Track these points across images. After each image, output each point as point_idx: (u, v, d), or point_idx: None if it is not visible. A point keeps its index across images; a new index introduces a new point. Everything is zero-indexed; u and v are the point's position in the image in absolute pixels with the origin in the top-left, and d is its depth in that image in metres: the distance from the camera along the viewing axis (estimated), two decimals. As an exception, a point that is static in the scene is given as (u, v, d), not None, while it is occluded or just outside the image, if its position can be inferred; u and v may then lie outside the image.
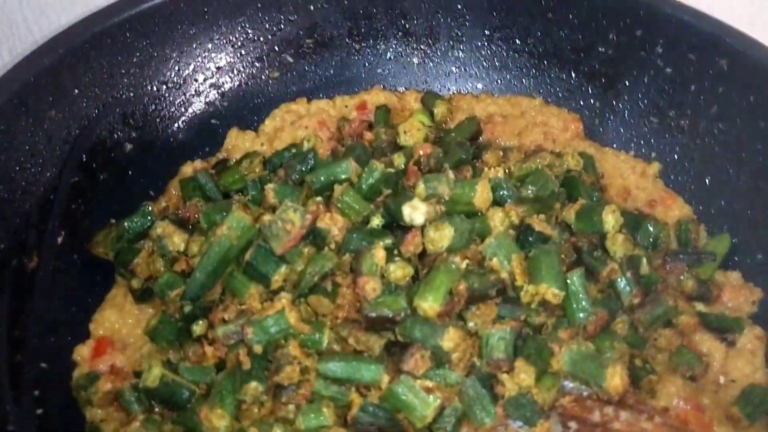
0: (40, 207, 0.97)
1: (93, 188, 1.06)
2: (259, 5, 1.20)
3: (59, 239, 0.99)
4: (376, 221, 0.96)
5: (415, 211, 0.92)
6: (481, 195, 0.97)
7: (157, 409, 0.90)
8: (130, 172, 1.11)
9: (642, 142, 1.22)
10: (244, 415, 0.86)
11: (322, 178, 1.00)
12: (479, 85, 1.32)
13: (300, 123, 1.23)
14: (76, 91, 1.03)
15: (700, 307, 1.02)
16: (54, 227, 0.99)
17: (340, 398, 0.85)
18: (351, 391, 0.84)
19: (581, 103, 1.27)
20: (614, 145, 1.23)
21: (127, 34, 1.08)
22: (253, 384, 0.85)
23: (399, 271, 0.88)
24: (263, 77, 1.25)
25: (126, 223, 1.05)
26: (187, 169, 1.16)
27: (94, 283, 1.03)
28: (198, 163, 1.17)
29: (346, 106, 1.27)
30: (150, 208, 1.06)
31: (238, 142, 1.21)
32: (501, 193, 1.01)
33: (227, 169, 1.14)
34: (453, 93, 1.32)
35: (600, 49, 1.22)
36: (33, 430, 0.85)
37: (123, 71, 1.09)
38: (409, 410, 0.83)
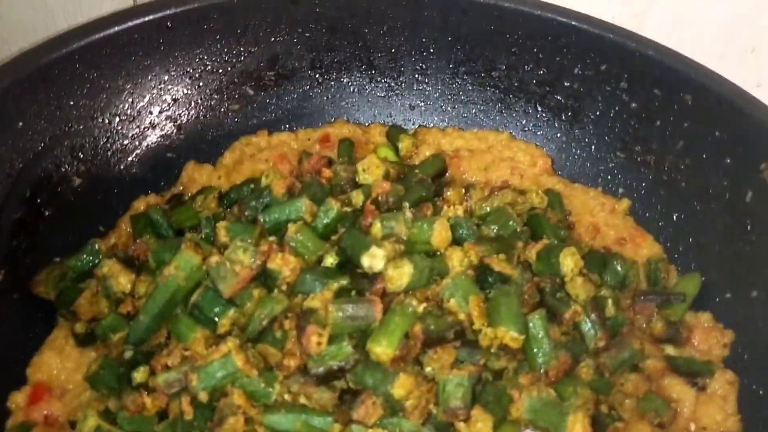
0: (-24, 245, 0.92)
1: (37, 224, 1.01)
2: (218, 37, 1.17)
3: (-2, 278, 0.94)
4: (330, 260, 0.92)
5: (374, 259, 0.88)
6: (439, 234, 0.94)
7: (92, 463, 0.84)
8: (77, 208, 1.06)
9: (609, 177, 1.20)
10: (185, 468, 0.81)
11: (276, 216, 0.96)
12: (445, 119, 1.29)
13: (260, 156, 1.20)
14: (21, 123, 0.99)
15: (669, 350, 0.98)
16: (-8, 265, 0.94)
17: (289, 454, 0.80)
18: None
19: (548, 137, 1.25)
20: (582, 181, 1.21)
21: (77, 65, 1.04)
22: (195, 436, 0.80)
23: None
24: (222, 109, 1.22)
25: (71, 261, 1.00)
26: (140, 205, 1.11)
27: (34, 324, 0.97)
28: (152, 198, 1.13)
29: (309, 139, 1.24)
30: (97, 246, 1.02)
31: (195, 176, 1.17)
32: (460, 232, 0.98)
33: (181, 204, 1.10)
34: (419, 126, 1.29)
35: (565, 83, 1.21)
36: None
37: (72, 103, 1.05)
38: (361, 461, 0.78)
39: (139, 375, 0.87)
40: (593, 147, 1.21)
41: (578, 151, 1.23)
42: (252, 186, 1.10)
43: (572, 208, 1.16)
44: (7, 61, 0.99)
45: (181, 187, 1.17)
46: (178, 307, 0.90)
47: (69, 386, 0.93)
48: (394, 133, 1.24)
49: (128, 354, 0.88)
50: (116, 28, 1.06)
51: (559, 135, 1.24)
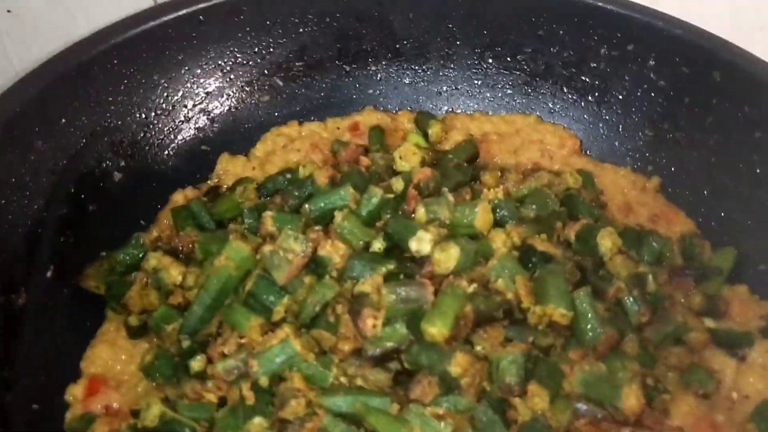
0: (27, 241, 0.93)
1: (82, 220, 1.02)
2: (248, 29, 1.18)
3: (48, 274, 0.96)
4: (378, 245, 0.93)
5: (421, 243, 0.90)
6: (482, 217, 0.95)
7: (157, 450, 0.86)
8: (119, 203, 1.07)
9: (638, 155, 1.22)
10: (248, 452, 0.83)
11: (321, 206, 0.97)
12: (472, 104, 1.30)
13: (292, 146, 1.21)
14: (63, 120, 1.00)
15: (708, 322, 1.00)
16: (42, 262, 0.95)
17: (349, 434, 0.81)
18: (360, 430, 0.81)
19: (575, 118, 1.26)
20: (611, 160, 1.23)
21: (114, 62, 1.05)
22: (258, 419, 0.81)
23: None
24: (253, 101, 1.23)
25: (117, 255, 1.01)
26: (178, 198, 1.13)
27: (85, 318, 0.99)
28: (189, 191, 1.14)
29: (338, 128, 1.25)
30: (142, 240, 1.03)
31: (229, 168, 1.18)
32: (501, 214, 1.00)
33: (220, 196, 1.11)
34: (446, 112, 1.31)
35: (591, 64, 1.22)
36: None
37: (110, 99, 1.06)
38: (420, 440, 0.80)
39: (197, 364, 0.88)
40: (621, 126, 1.23)
41: (606, 131, 1.24)
42: (288, 176, 1.11)
43: (603, 188, 1.18)
44: (48, 59, 1.00)
45: (217, 179, 1.18)
46: (230, 296, 0.92)
47: (124, 377, 0.94)
48: (422, 119, 1.25)
49: (185, 344, 0.90)
50: (151, 24, 1.08)
51: (586, 116, 1.25)
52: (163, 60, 1.12)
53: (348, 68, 1.28)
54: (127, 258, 1.01)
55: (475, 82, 1.30)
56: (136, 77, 1.09)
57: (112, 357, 0.96)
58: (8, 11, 1.16)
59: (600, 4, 1.17)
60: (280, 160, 1.19)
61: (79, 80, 1.01)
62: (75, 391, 0.92)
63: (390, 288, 0.85)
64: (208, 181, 1.17)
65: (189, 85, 1.17)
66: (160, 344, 0.93)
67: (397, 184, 1.03)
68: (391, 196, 1.00)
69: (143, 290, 0.98)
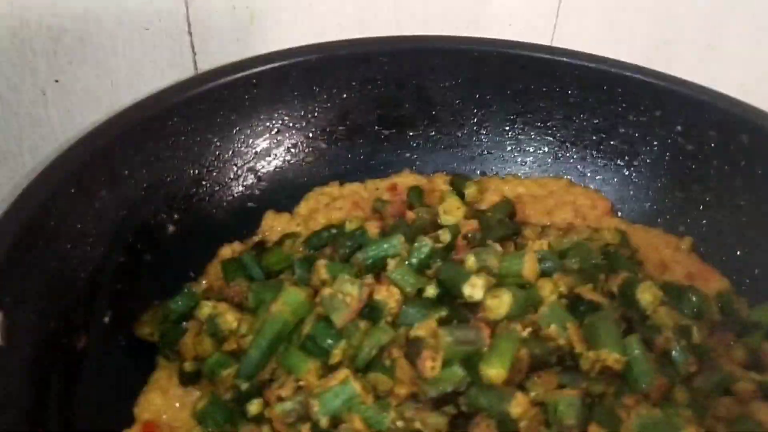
0: (88, 286, 0.96)
1: (137, 269, 1.05)
2: (296, 94, 1.25)
3: (105, 319, 0.98)
4: (431, 291, 0.96)
5: (474, 289, 0.93)
6: (529, 266, 0.98)
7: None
8: (171, 254, 1.10)
9: (669, 216, 1.26)
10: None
11: (374, 254, 1.00)
12: (505, 168, 1.36)
13: (334, 205, 1.25)
14: (126, 172, 1.04)
15: (754, 376, 1.01)
16: (101, 307, 0.97)
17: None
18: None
19: (606, 181, 1.31)
20: (642, 221, 1.26)
21: (175, 119, 1.10)
22: (318, 461, 0.82)
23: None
24: (298, 162, 1.28)
25: (170, 304, 1.03)
26: (226, 252, 1.16)
27: (139, 365, 1.00)
28: (236, 245, 1.17)
29: (377, 188, 1.30)
30: (194, 289, 1.05)
31: (274, 224, 1.22)
32: (547, 264, 1.02)
33: (268, 250, 1.14)
34: (479, 175, 1.36)
35: (620, 129, 1.28)
36: None
37: (168, 155, 1.11)
38: (481, 484, 0.80)
39: (254, 407, 0.89)
40: (651, 189, 1.28)
41: (636, 193, 1.29)
42: (334, 231, 1.15)
43: (638, 247, 1.21)
44: (114, 114, 1.06)
45: (262, 235, 1.21)
46: (284, 342, 0.93)
47: (176, 424, 0.94)
48: (458, 181, 1.30)
49: (244, 386, 0.90)
50: (210, 85, 1.14)
51: (616, 179, 1.31)
52: (218, 120, 1.17)
53: (387, 133, 1.34)
54: (180, 306, 1.03)
55: (508, 146, 1.36)
56: (192, 135, 1.14)
57: (165, 404, 0.96)
58: (56, 81, 1.22)
59: (627, 73, 1.25)
60: (323, 217, 1.22)
61: (142, 135, 1.07)
62: (129, 437, 0.92)
63: (447, 331, 0.87)
64: (254, 237, 1.21)
65: (239, 144, 1.22)
66: (213, 391, 0.94)
67: (445, 235, 1.06)
68: (441, 245, 1.03)
69: (197, 337, 0.99)
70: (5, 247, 0.83)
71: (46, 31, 1.11)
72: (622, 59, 1.27)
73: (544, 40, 1.41)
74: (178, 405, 0.96)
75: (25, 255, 0.85)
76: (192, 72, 1.25)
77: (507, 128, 1.35)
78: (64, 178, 0.94)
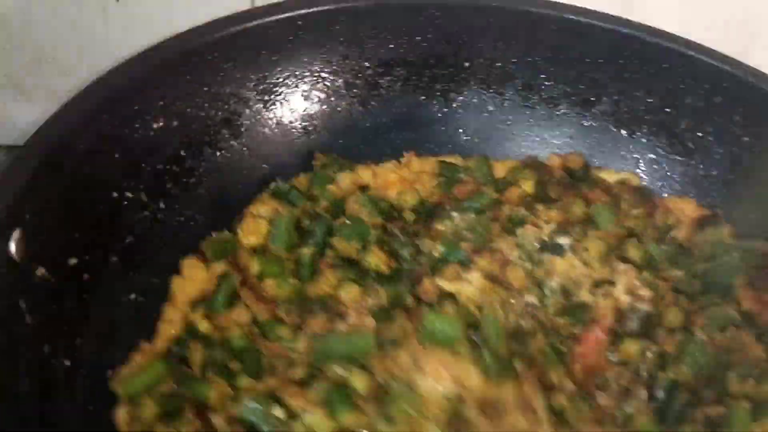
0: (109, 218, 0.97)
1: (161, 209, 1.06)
2: (341, 40, 1.22)
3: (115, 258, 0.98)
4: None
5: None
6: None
7: None
8: (196, 198, 1.11)
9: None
10: None
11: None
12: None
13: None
14: (161, 103, 1.04)
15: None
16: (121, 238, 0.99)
17: None
18: None
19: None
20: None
21: (216, 54, 1.10)
22: None
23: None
24: (334, 109, 1.26)
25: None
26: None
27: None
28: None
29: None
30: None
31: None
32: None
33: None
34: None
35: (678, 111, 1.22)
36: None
37: (205, 90, 1.11)
38: None
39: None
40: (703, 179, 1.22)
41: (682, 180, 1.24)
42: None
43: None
44: (152, 45, 1.06)
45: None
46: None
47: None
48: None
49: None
50: (254, 23, 1.12)
51: (665, 164, 1.25)
52: (259, 59, 1.16)
53: (430, 88, 1.30)
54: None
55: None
56: (232, 72, 1.13)
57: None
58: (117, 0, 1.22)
59: (692, 53, 1.18)
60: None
61: (180, 68, 1.06)
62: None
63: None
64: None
65: (279, 86, 1.21)
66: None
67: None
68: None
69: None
70: (31, 165, 0.84)
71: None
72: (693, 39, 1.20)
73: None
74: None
75: (49, 177, 0.86)
76: (249, 5, 1.24)
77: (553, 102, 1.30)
78: (98, 104, 0.94)
